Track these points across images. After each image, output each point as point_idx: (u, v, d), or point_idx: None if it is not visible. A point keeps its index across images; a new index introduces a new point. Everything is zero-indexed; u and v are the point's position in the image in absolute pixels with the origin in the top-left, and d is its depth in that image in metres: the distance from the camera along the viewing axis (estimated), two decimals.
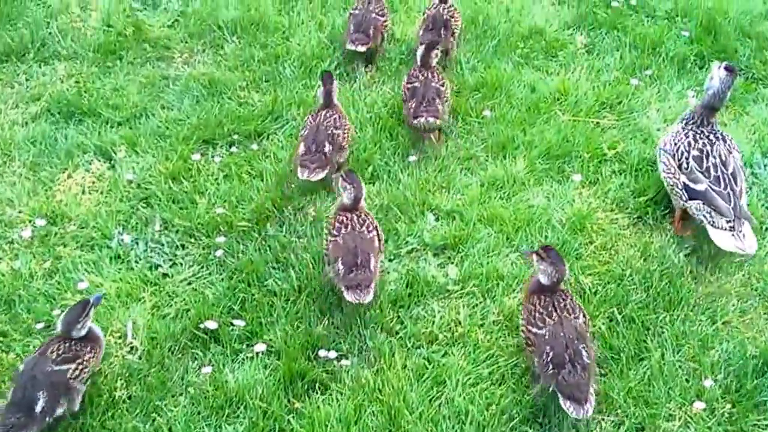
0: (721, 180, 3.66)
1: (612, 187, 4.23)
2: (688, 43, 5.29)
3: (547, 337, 3.08)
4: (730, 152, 3.81)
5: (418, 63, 4.62)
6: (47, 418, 2.92)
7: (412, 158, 4.35)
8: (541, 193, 4.18)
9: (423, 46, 4.64)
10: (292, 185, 4.10)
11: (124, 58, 5.07)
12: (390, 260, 3.82)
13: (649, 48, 5.20)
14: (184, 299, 3.58)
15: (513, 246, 3.88)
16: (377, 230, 3.66)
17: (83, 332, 3.16)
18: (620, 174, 4.33)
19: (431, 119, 4.34)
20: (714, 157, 3.73)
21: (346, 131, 4.27)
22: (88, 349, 3.13)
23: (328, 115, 4.26)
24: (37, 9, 5.43)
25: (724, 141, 3.84)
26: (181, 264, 3.77)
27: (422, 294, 3.64)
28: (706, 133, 3.85)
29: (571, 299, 3.27)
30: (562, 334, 3.07)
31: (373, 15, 5.14)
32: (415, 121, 4.36)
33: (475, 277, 3.71)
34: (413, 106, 4.39)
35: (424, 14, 5.21)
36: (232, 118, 4.58)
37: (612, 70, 5.05)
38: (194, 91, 4.79)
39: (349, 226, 3.58)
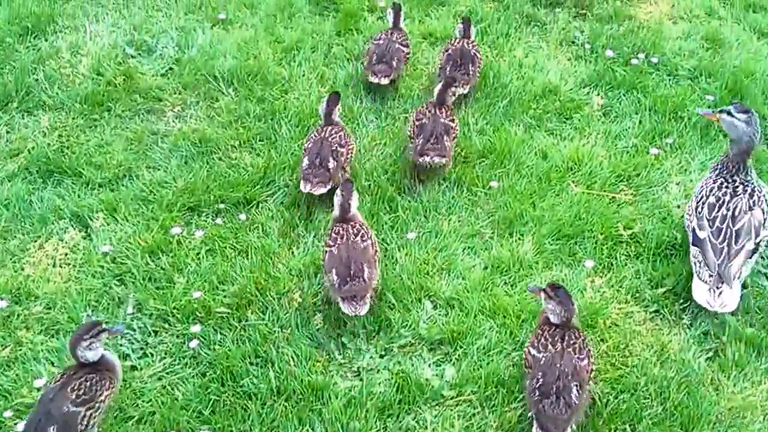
0: (722, 233, 3.54)
1: (627, 275, 3.87)
2: (712, 107, 4.94)
3: (542, 362, 3.07)
4: (751, 209, 3.60)
5: (435, 99, 4.47)
6: None
7: (411, 235, 4.02)
8: (550, 279, 3.83)
9: (441, 83, 4.49)
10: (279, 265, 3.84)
11: (112, 109, 4.78)
12: (381, 356, 3.49)
13: (670, 112, 4.83)
14: (152, 399, 3.26)
15: (516, 342, 3.55)
16: (371, 239, 3.64)
17: (90, 355, 3.06)
18: (636, 258, 3.96)
19: (437, 159, 4.21)
20: (727, 209, 3.59)
21: (350, 150, 4.26)
22: (107, 385, 3.07)
23: (333, 131, 4.26)
24: (26, 53, 5.18)
25: (751, 196, 3.64)
26: (152, 354, 3.45)
27: (414, 400, 3.29)
28: (736, 183, 3.69)
29: (583, 340, 3.19)
30: (558, 365, 3.04)
31: (397, 45, 4.96)
32: (421, 160, 4.22)
33: (473, 381, 3.35)
34: (420, 143, 4.25)
35: (446, 50, 4.95)
36: (221, 183, 4.27)
37: (630, 136, 4.69)
38: (183, 149, 4.49)
39: (344, 237, 3.58)
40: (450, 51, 4.90)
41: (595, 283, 3.85)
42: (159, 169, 4.40)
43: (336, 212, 3.72)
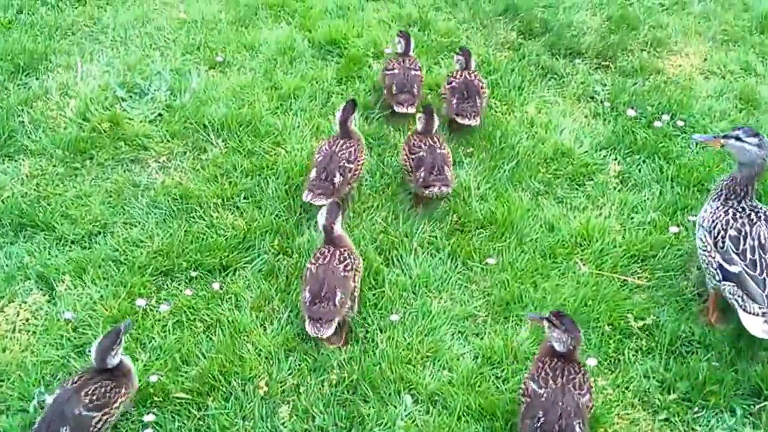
0: (758, 264, 3.48)
1: (635, 375, 3.45)
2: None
3: (544, 400, 2.97)
4: None
5: (421, 130, 4.37)
6: None
7: (395, 317, 3.67)
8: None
9: (424, 115, 4.37)
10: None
11: (95, 157, 4.53)
12: None
13: (695, 184, 4.39)
14: None
15: None
16: (355, 270, 3.61)
17: (117, 360, 3.16)
18: (647, 355, 3.54)
19: (444, 188, 4.14)
20: (753, 239, 3.54)
21: (359, 166, 4.23)
22: (122, 392, 3.12)
23: (344, 146, 4.21)
24: (15, 92, 4.98)
25: (767, 221, 3.60)
26: None
27: None
28: (747, 211, 3.64)
29: (584, 375, 3.10)
30: (560, 403, 2.94)
31: (413, 72, 4.88)
32: (427, 191, 4.14)
33: None
34: (422, 175, 4.16)
35: (449, 83, 4.80)
36: (198, 245, 3.97)
37: (648, 209, 4.27)
38: (163, 205, 4.21)
39: (328, 259, 3.59)
40: (454, 84, 4.74)
41: (599, 383, 3.43)
42: (136, 226, 4.13)
43: (321, 233, 3.74)
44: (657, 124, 4.83)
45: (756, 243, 3.52)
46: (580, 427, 2.91)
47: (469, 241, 4.05)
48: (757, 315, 3.41)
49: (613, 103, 5.05)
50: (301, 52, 5.54)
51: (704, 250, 3.66)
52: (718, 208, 3.68)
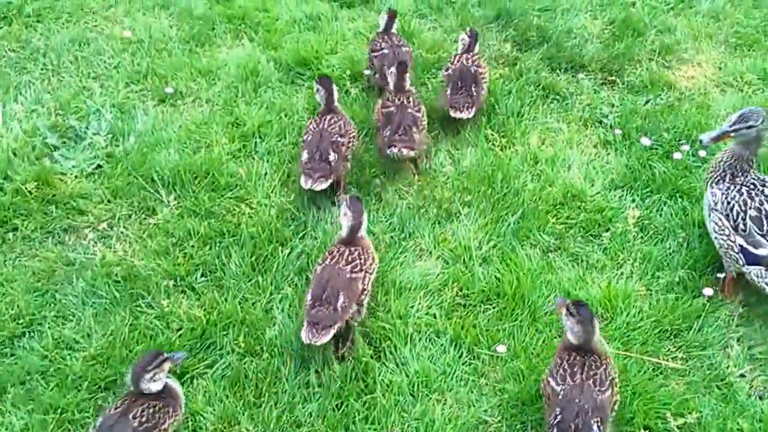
0: None
1: None
2: None
3: (560, 397, 2.78)
4: None
5: (393, 87, 4.14)
6: None
7: None
8: None
9: (395, 68, 4.12)
10: None
11: (19, 229, 3.66)
12: None
13: None
14: None
15: None
16: (366, 272, 3.22)
17: (154, 387, 2.84)
18: None
19: (406, 151, 3.87)
20: None
21: (351, 139, 3.98)
22: (170, 413, 2.84)
23: (332, 120, 3.96)
24: None
25: None
26: None
27: None
28: (760, 187, 3.36)
29: (605, 369, 2.85)
30: (577, 400, 2.74)
31: (403, 49, 4.52)
32: (389, 151, 3.90)
33: None
34: (387, 134, 3.94)
35: (446, 70, 4.40)
36: (146, 345, 3.15)
37: (675, 265, 3.55)
38: (103, 291, 3.38)
39: (336, 260, 3.24)
40: (450, 71, 4.35)
41: None
42: (70, 320, 3.30)
43: (343, 233, 3.35)
44: (676, 156, 4.09)
45: None
46: (598, 426, 2.71)
47: (474, 321, 3.30)
48: None
49: (625, 129, 4.30)
50: (267, 76, 4.68)
51: (722, 235, 3.35)
52: (729, 188, 3.40)
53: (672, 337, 3.30)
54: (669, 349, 3.26)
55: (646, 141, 4.20)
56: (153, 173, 3.92)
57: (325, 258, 3.27)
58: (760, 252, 3.20)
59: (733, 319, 3.33)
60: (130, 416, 2.75)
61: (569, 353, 2.88)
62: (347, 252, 3.25)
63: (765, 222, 3.24)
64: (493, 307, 3.38)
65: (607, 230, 3.74)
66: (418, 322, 3.31)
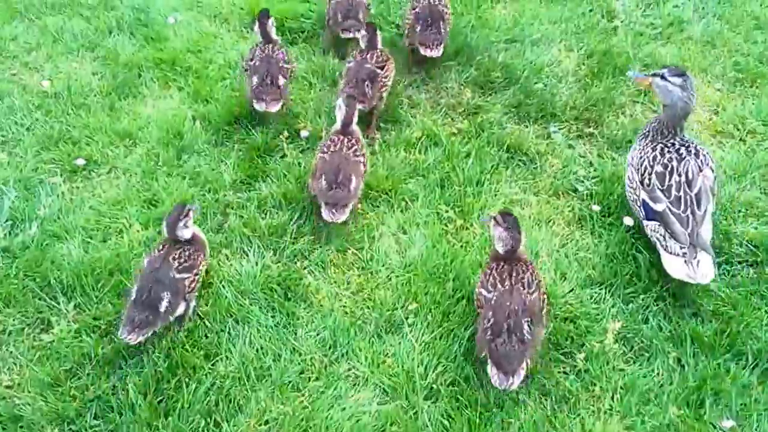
0: (683, 201, 3.07)
1: None
2: None
3: (493, 303, 2.77)
4: (701, 170, 3.15)
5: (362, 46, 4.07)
6: (170, 317, 2.93)
7: None
8: None
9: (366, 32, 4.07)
10: None
11: None
12: None
13: (725, 348, 2.89)
14: None
15: None
16: (364, 157, 3.44)
17: (187, 233, 3.11)
18: None
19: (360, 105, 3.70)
20: (679, 175, 3.12)
21: (293, 67, 4.08)
22: (201, 257, 3.10)
23: (275, 49, 4.01)
24: None
25: (697, 156, 3.18)
26: None
27: None
28: (677, 146, 3.23)
29: (532, 273, 2.86)
30: (508, 303, 2.74)
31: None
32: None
33: None
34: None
35: (413, 8, 4.25)
36: None
37: (666, 401, 2.72)
38: None
39: (339, 147, 3.41)
40: (418, 9, 4.20)
41: None
42: None
43: (337, 125, 3.54)
44: (654, 238, 3.28)
45: (683, 179, 3.10)
46: (528, 325, 2.72)
47: None
48: (678, 255, 3.00)
49: (604, 203, 3.46)
50: (193, 138, 3.86)
51: (630, 188, 3.27)
52: (646, 145, 3.29)
53: None
54: None
55: (628, 221, 3.35)
56: (51, 275, 3.19)
57: (328, 146, 3.41)
58: (658, 207, 3.07)
59: None
60: (170, 258, 2.99)
61: (497, 263, 2.88)
62: (346, 140, 3.42)
63: (668, 178, 3.11)
64: None
65: (581, 346, 2.96)
66: None
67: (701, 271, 2.92)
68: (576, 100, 4.00)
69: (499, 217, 2.88)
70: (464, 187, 3.54)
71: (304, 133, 3.84)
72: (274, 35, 4.08)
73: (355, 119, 3.50)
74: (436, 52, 4.01)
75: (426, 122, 3.88)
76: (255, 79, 3.80)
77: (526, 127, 3.90)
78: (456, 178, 3.58)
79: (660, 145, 3.21)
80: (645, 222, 3.13)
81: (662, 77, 3.21)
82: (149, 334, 2.81)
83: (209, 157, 3.79)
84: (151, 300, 2.84)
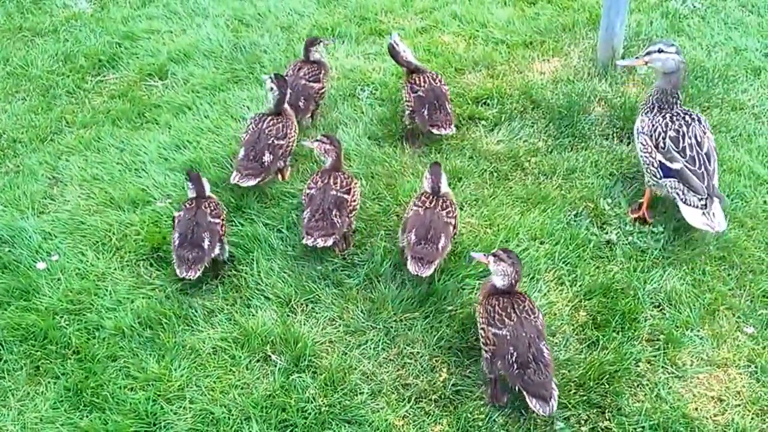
0: (696, 160, 3.36)
1: None
2: None
3: (509, 337, 2.69)
4: (705, 133, 3.47)
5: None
6: (211, 255, 3.20)
7: None
8: None
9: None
10: None
11: None
12: None
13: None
14: None
15: None
16: (456, 219, 3.29)
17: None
18: None
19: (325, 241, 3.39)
20: (690, 138, 3.41)
21: (291, 142, 3.82)
22: (221, 211, 3.36)
23: (272, 122, 3.80)
24: None
25: (699, 122, 3.50)
26: None
27: None
28: (682, 114, 3.51)
29: (530, 300, 2.85)
30: (524, 333, 2.68)
31: (302, 82, 4.17)
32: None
33: None
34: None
35: (414, 91, 4.03)
36: None
37: None
38: None
39: (434, 205, 3.27)
40: (420, 93, 4.02)
41: None
42: None
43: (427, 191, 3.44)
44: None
45: (693, 141, 3.39)
46: (546, 347, 2.70)
47: None
48: (697, 207, 3.26)
49: None
50: None
51: (646, 153, 3.50)
52: (654, 116, 3.54)
53: None
54: None
55: None
56: None
57: (423, 202, 3.27)
58: (674, 166, 3.34)
59: None
60: (203, 207, 3.25)
61: (496, 298, 2.80)
62: (440, 201, 3.26)
63: (681, 141, 3.38)
64: None
65: None
66: None
67: (717, 219, 3.22)
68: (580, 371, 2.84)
69: (503, 254, 2.83)
70: None
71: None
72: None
73: (444, 183, 3.37)
74: (450, 130, 3.96)
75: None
76: (241, 153, 3.67)
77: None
78: None
79: (668, 114, 3.49)
80: (663, 180, 3.38)
81: (660, 51, 3.47)
82: (201, 271, 3.08)
83: None
84: (194, 240, 3.12)
